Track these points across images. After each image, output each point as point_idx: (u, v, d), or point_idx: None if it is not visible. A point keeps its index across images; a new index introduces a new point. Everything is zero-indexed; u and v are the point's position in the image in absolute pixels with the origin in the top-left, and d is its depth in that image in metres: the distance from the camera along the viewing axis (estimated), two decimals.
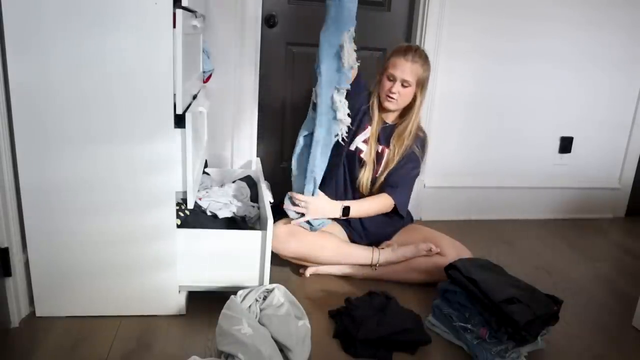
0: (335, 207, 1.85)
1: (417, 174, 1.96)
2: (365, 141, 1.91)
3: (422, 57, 1.84)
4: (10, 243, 1.41)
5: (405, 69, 1.80)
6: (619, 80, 2.64)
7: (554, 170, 2.72)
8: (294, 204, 1.80)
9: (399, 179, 1.89)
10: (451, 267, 1.58)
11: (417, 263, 1.85)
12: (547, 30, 2.47)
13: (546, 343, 1.52)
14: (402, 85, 1.81)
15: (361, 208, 1.88)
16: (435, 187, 2.47)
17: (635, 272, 2.16)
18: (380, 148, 1.93)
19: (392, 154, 1.90)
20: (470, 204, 2.63)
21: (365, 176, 1.90)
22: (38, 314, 1.49)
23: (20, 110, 1.32)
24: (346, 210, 1.85)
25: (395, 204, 1.88)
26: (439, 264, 1.76)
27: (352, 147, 1.91)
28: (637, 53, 2.61)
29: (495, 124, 2.57)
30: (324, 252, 1.83)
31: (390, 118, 1.94)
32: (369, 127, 1.91)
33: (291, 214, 1.81)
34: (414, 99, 1.86)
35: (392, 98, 1.83)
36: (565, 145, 2.69)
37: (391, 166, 1.90)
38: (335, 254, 1.85)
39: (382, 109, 1.91)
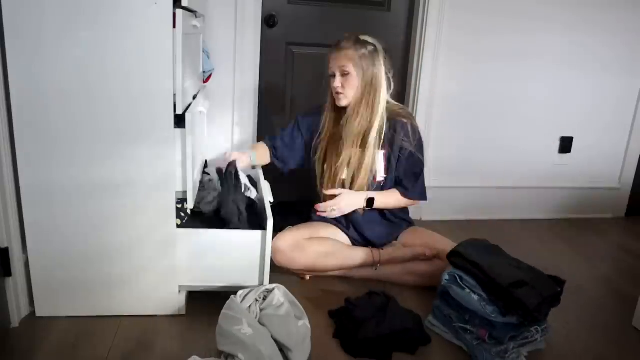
0: (360, 198, 1.86)
1: (419, 164, 1.91)
2: None
3: (351, 41, 1.78)
4: (10, 243, 1.41)
5: (335, 57, 1.79)
6: (619, 80, 2.64)
7: (554, 170, 2.71)
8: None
9: (406, 181, 1.91)
10: (453, 254, 1.56)
11: (415, 267, 1.85)
12: (548, 30, 2.47)
13: (546, 343, 1.52)
14: (342, 75, 1.78)
15: (384, 200, 1.90)
16: (435, 187, 2.46)
17: (635, 272, 2.16)
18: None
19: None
20: (470, 204, 2.63)
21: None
22: (38, 314, 1.49)
23: (20, 110, 1.32)
24: (370, 201, 1.86)
25: (412, 199, 1.94)
26: (438, 267, 1.75)
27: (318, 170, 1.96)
28: (637, 53, 2.60)
29: (495, 124, 2.57)
30: (330, 261, 1.83)
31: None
32: None
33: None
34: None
35: (338, 93, 1.81)
36: (565, 145, 2.68)
37: (367, 157, 1.85)
38: (341, 260, 1.84)
39: (337, 115, 1.88)
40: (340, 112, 1.88)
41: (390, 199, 1.91)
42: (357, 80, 1.78)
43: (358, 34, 1.82)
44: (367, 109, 1.80)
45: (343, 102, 1.83)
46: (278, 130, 2.42)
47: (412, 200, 1.95)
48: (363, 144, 1.82)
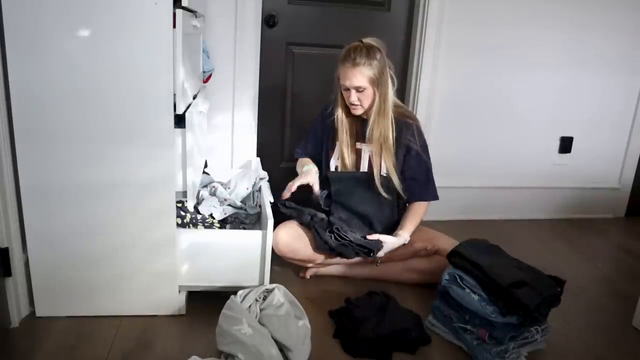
0: (399, 241, 1.85)
1: (427, 164, 1.93)
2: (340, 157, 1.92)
3: (364, 55, 1.75)
4: (10, 243, 1.41)
5: (351, 76, 1.76)
6: (619, 80, 2.64)
7: (554, 170, 2.71)
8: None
9: (417, 184, 1.91)
10: (453, 254, 1.56)
11: (416, 263, 1.86)
12: (548, 30, 2.47)
13: (546, 343, 1.52)
14: (358, 91, 1.78)
15: (416, 223, 1.91)
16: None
17: (635, 272, 2.16)
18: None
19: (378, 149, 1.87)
20: (470, 204, 2.63)
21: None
22: (38, 314, 1.49)
23: (20, 110, 1.32)
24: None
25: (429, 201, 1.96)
26: (438, 264, 1.76)
27: (332, 168, 1.93)
28: (637, 53, 2.60)
29: (495, 124, 2.57)
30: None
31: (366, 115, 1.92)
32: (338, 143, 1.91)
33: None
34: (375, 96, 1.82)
35: (355, 106, 1.82)
36: (565, 145, 2.68)
37: (388, 158, 1.86)
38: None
39: (352, 119, 1.90)
40: (353, 115, 1.89)
41: (418, 217, 1.93)
42: (373, 93, 1.80)
43: (365, 42, 1.78)
44: (385, 116, 1.82)
45: (359, 112, 1.85)
46: (277, 130, 2.44)
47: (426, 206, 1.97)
48: (386, 148, 1.84)
